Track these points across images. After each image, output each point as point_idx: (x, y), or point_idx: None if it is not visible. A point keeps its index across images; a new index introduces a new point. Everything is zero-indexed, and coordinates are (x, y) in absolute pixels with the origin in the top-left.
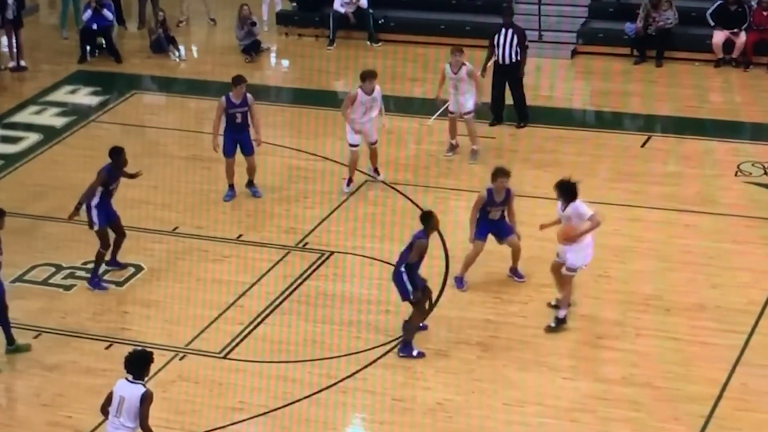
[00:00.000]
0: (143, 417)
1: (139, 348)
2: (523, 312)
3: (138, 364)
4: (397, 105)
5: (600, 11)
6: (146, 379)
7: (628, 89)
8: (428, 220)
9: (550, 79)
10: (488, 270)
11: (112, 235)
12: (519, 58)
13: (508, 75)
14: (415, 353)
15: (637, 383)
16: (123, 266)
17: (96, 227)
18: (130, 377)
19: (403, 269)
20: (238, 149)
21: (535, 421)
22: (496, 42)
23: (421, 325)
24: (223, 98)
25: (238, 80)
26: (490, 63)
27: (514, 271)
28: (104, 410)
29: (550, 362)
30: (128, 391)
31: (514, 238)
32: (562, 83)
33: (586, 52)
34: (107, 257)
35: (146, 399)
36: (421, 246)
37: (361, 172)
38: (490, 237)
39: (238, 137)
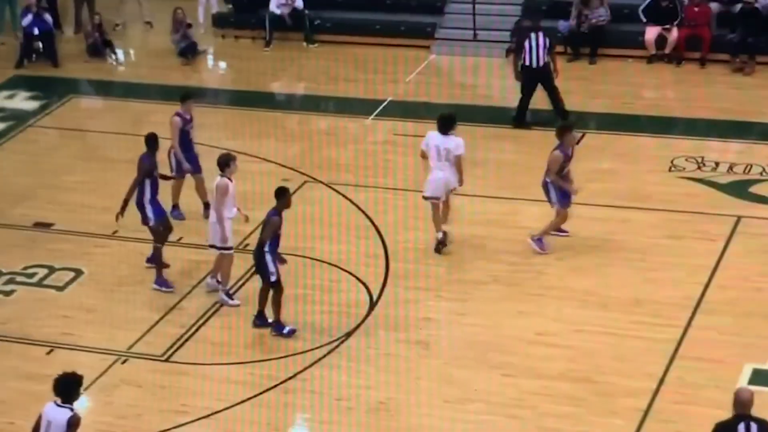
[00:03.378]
0: None
1: (69, 371)
2: (463, 309)
3: (66, 387)
4: (334, 105)
5: (533, 10)
6: (79, 396)
7: (562, 87)
8: (280, 196)
9: (485, 78)
10: (427, 267)
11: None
12: (545, 62)
13: (540, 78)
14: (285, 331)
15: (576, 378)
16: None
17: (151, 222)
18: (59, 401)
19: (266, 249)
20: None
21: (475, 418)
22: (527, 46)
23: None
24: (177, 118)
25: (188, 96)
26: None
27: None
28: None
29: (490, 359)
30: (55, 414)
31: None
32: (498, 82)
33: None
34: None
35: (73, 424)
36: (274, 223)
37: (302, 173)
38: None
39: (189, 155)
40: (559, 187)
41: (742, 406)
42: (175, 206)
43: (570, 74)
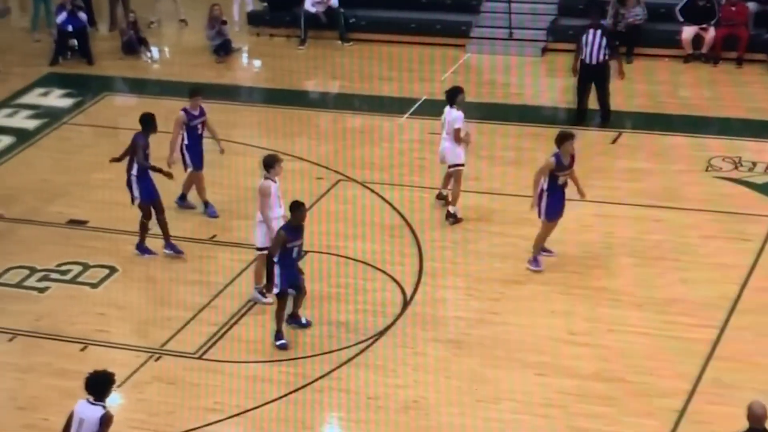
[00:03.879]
0: None
1: (101, 369)
2: (495, 309)
3: (99, 385)
4: (368, 104)
5: (569, 8)
6: (110, 393)
7: None
8: (295, 210)
9: (520, 77)
10: (460, 266)
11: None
12: (606, 58)
13: (595, 75)
14: (278, 343)
15: (610, 378)
16: (179, 251)
17: (137, 201)
18: (91, 398)
19: (275, 260)
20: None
21: (508, 417)
22: (583, 42)
23: (303, 321)
24: (182, 112)
25: (197, 91)
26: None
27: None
28: (66, 431)
29: (523, 358)
30: (88, 412)
31: None
32: (532, 81)
33: (555, 49)
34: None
35: (105, 421)
36: (279, 237)
37: (336, 171)
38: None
39: (199, 149)
40: (546, 197)
41: (755, 420)
42: (183, 197)
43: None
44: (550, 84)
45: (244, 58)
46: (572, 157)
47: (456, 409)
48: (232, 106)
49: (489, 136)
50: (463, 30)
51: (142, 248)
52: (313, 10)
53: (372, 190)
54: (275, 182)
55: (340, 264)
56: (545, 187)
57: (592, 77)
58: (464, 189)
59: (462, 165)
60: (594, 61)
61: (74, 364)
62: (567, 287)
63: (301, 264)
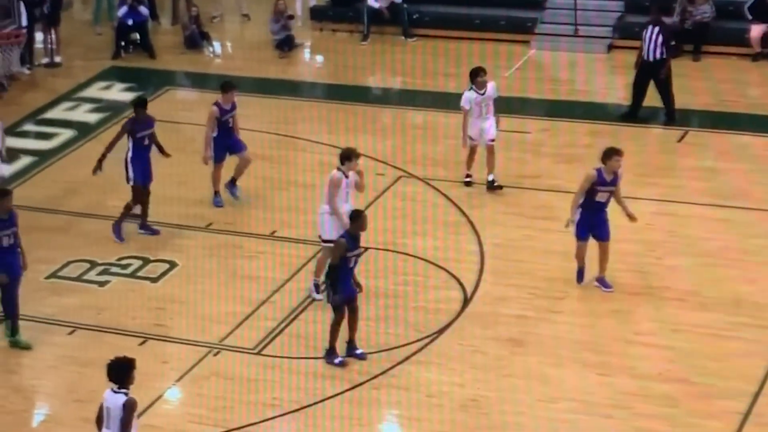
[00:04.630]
0: (124, 424)
1: (120, 356)
2: (557, 307)
3: (118, 372)
4: (431, 100)
5: (636, 5)
6: (133, 379)
7: None
8: (354, 219)
9: (586, 74)
10: (522, 264)
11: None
12: (664, 56)
13: (652, 72)
14: (336, 361)
15: (673, 379)
16: (155, 231)
17: (131, 182)
18: (115, 387)
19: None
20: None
21: (568, 417)
22: (642, 38)
23: (358, 353)
24: (215, 108)
25: (230, 86)
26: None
27: (601, 281)
28: (98, 422)
29: (585, 358)
30: (113, 400)
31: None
32: (598, 78)
33: (622, 46)
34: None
35: (128, 407)
36: (339, 245)
37: (397, 167)
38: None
39: (228, 141)
40: (580, 213)
41: None
42: (218, 192)
43: (673, 71)
44: (615, 81)
45: (307, 53)
46: (615, 175)
47: (515, 408)
48: (294, 102)
49: (553, 134)
50: (528, 26)
51: (117, 229)
52: (376, 5)
53: (433, 187)
54: (347, 177)
55: (399, 261)
56: (581, 200)
57: (649, 74)
58: (528, 187)
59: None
60: (651, 58)
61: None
62: (631, 287)
63: (360, 262)
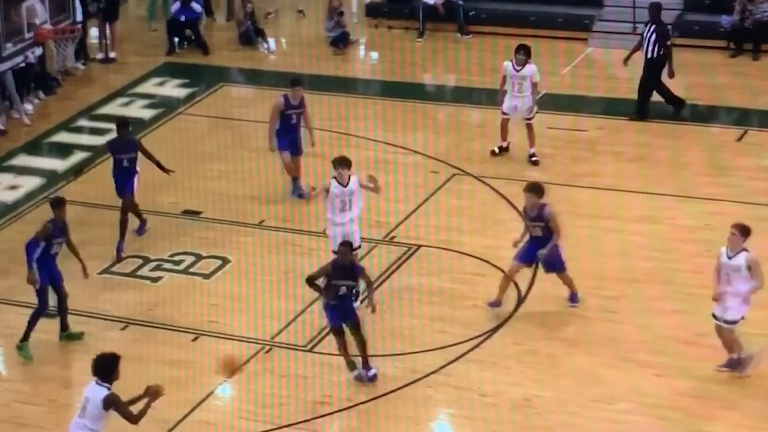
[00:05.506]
0: (125, 415)
1: (107, 351)
2: (613, 307)
3: (103, 367)
4: (486, 97)
5: (695, 4)
6: (118, 375)
7: (724, 82)
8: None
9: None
10: (577, 263)
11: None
12: (658, 54)
13: (649, 69)
14: (369, 374)
15: (731, 381)
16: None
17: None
18: (98, 379)
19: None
20: None
21: (623, 418)
22: (642, 35)
23: (370, 374)
24: (282, 99)
25: (298, 82)
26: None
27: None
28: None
29: (640, 358)
30: (93, 393)
31: None
32: None
33: (681, 44)
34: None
35: (108, 402)
36: (325, 267)
37: (451, 165)
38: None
39: (290, 137)
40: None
41: None
42: (296, 179)
43: (732, 70)
44: (673, 80)
45: (362, 50)
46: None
47: (568, 408)
48: (349, 98)
49: (610, 132)
50: (585, 24)
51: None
52: (431, 2)
53: (488, 184)
54: (344, 185)
55: (452, 258)
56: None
57: (648, 71)
58: (582, 185)
59: None
60: (648, 56)
61: (186, 354)
62: (687, 287)
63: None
